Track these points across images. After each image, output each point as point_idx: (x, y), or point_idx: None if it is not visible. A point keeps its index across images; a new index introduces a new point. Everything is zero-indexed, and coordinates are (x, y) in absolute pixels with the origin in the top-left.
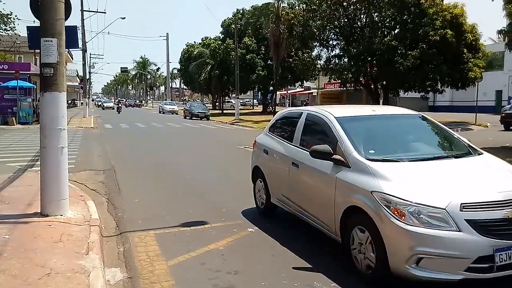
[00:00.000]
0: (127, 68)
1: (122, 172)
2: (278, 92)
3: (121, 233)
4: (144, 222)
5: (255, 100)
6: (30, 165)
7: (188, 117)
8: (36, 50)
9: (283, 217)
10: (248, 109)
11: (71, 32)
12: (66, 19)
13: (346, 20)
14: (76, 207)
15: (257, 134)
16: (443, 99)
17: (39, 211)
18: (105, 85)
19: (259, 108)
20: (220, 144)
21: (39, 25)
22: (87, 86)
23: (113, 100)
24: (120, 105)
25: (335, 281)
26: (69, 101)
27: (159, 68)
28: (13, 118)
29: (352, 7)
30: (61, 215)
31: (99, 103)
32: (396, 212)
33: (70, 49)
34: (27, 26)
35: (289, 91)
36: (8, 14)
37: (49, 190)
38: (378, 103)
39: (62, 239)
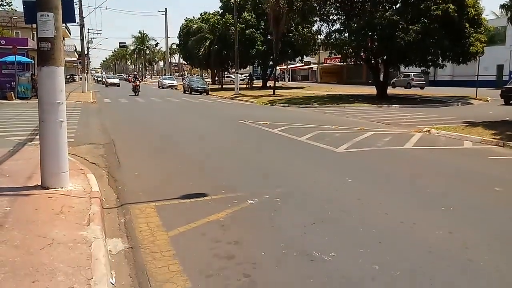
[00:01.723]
0: (125, 43)
1: (122, 146)
2: (278, 67)
3: (122, 205)
4: (145, 194)
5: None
6: (30, 139)
7: (187, 92)
8: (33, 25)
9: (283, 190)
10: (248, 84)
11: (68, 6)
12: None
13: None
14: (76, 180)
15: (257, 108)
16: (444, 74)
17: (40, 184)
18: (103, 60)
19: (259, 83)
20: (220, 119)
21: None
22: (86, 61)
23: (115, 75)
24: (137, 83)
25: (335, 251)
26: (68, 76)
27: (157, 43)
28: (12, 93)
29: None
30: (62, 188)
31: (99, 79)
32: None
33: (67, 24)
34: (23, 1)
35: (289, 66)
36: None
37: (49, 164)
38: (379, 78)
39: (63, 211)
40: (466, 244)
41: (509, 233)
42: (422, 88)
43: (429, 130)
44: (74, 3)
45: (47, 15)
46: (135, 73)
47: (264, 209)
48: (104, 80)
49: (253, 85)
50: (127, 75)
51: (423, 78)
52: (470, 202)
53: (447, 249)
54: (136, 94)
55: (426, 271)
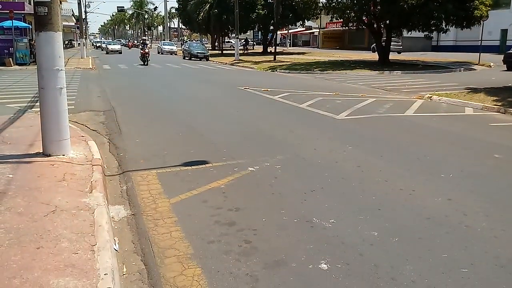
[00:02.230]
0: (123, 7)
1: (122, 113)
2: (278, 32)
3: (123, 172)
4: (146, 162)
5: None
6: (30, 106)
7: (187, 58)
8: None
9: (284, 157)
10: (244, 50)
11: None
12: None
13: None
14: (77, 147)
15: (258, 74)
16: (447, 39)
17: (41, 151)
18: (102, 25)
19: (259, 49)
20: (220, 85)
21: None
22: (84, 26)
23: (115, 41)
24: (147, 50)
25: (334, 217)
26: (66, 42)
27: (156, 7)
28: (10, 59)
29: None
30: (63, 155)
31: (98, 45)
32: None
33: None
34: None
35: (290, 31)
36: None
37: (50, 131)
38: (381, 43)
39: (66, 178)
40: (465, 211)
41: (508, 200)
42: (399, 52)
43: (431, 97)
44: None
45: None
46: (144, 38)
47: (265, 176)
48: (104, 46)
49: (250, 51)
50: (127, 41)
51: (400, 43)
52: (469, 169)
53: (445, 216)
54: (145, 63)
55: (424, 238)
